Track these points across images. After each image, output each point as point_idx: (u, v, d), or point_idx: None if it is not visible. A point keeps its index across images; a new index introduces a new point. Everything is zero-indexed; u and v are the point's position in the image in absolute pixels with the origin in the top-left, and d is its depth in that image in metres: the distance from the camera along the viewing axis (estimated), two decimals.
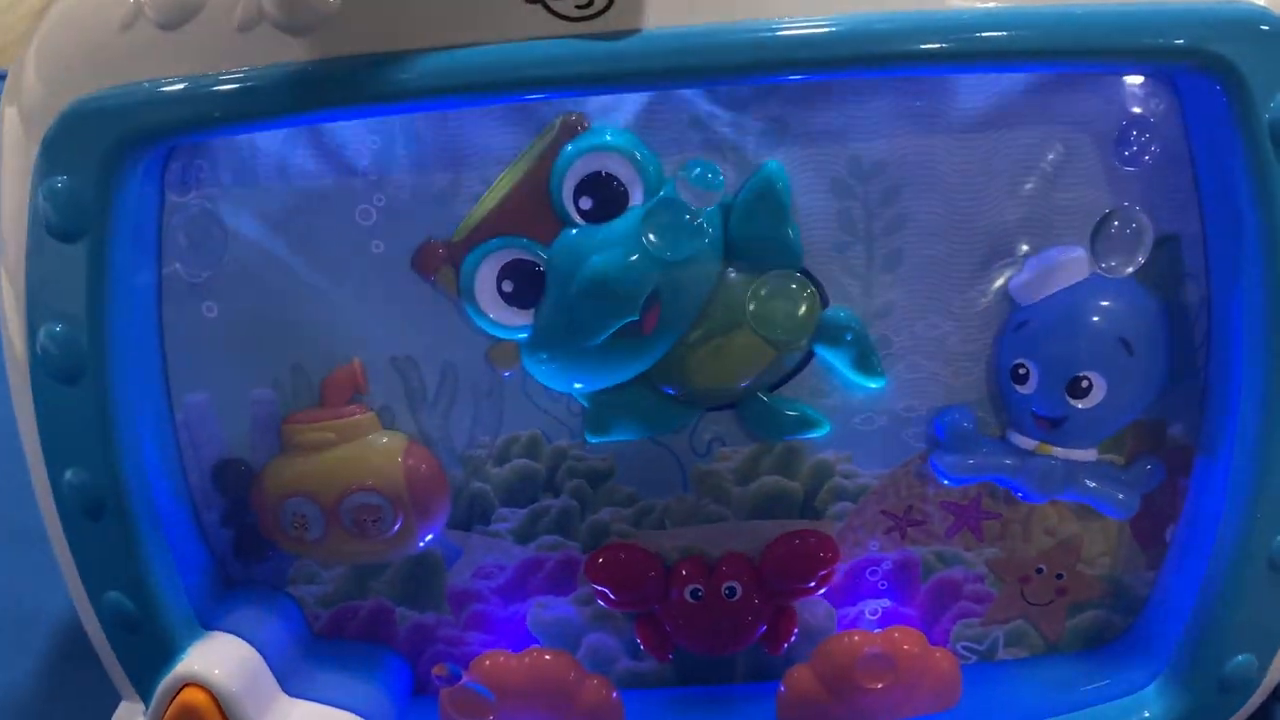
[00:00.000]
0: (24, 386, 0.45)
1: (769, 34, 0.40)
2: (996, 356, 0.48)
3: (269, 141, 0.46)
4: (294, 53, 0.40)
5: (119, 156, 0.42)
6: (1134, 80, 0.45)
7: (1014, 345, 0.47)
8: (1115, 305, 0.46)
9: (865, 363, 0.47)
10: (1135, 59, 0.42)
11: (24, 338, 0.44)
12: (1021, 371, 0.47)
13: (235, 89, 0.41)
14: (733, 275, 0.46)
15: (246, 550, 0.51)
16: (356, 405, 0.49)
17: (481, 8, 0.40)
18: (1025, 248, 0.47)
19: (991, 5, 0.40)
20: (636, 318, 0.45)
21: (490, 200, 0.46)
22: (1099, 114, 0.45)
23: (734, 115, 0.45)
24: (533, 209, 0.46)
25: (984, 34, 0.40)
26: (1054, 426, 0.47)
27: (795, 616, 0.51)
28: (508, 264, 0.46)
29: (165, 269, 0.47)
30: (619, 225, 0.45)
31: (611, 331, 0.45)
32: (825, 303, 0.47)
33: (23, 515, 0.49)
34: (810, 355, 0.48)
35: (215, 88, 0.41)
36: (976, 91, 0.45)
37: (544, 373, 0.47)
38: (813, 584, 0.50)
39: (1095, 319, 0.46)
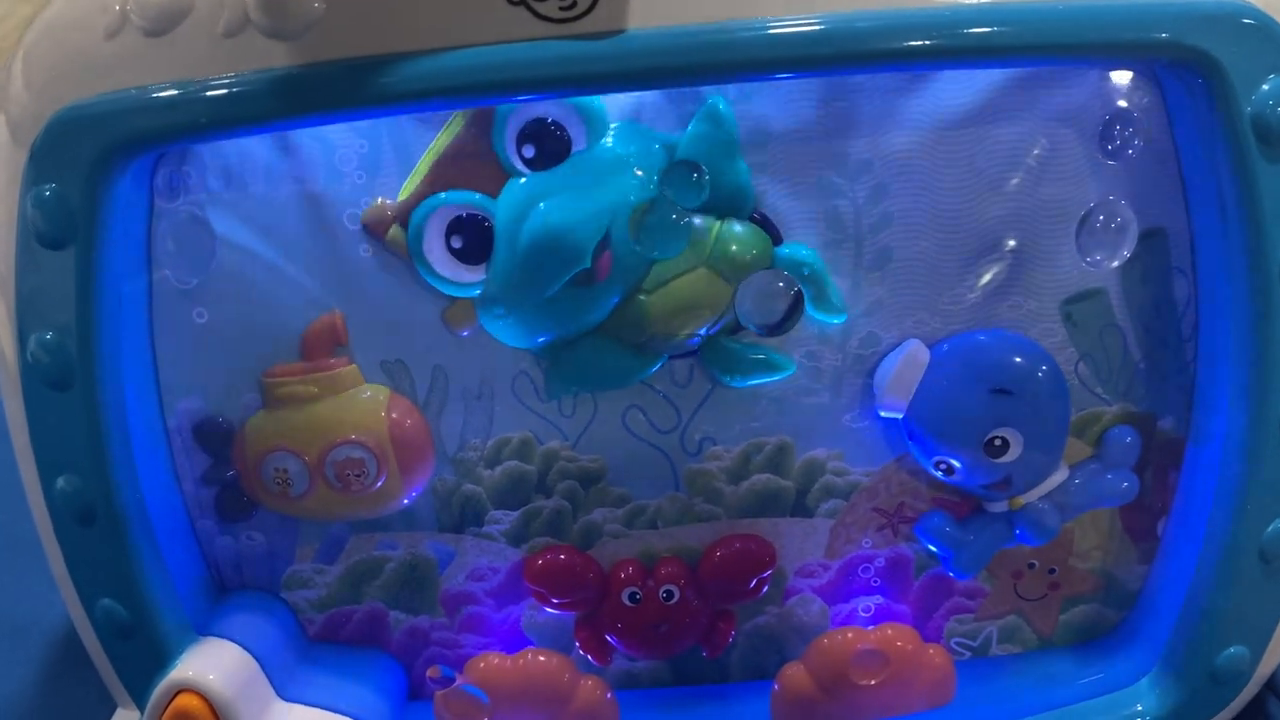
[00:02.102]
0: (15, 394, 0.45)
1: (753, 34, 0.40)
2: (921, 468, 0.49)
3: (256, 147, 0.46)
4: (280, 58, 0.41)
5: (107, 164, 0.42)
6: (1117, 75, 0.45)
7: (921, 452, 0.48)
8: (970, 365, 0.47)
9: (822, 299, 0.47)
10: (1118, 53, 0.43)
11: (14, 345, 0.44)
12: (944, 467, 0.48)
13: (222, 95, 0.41)
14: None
15: (229, 509, 0.50)
16: (338, 358, 0.48)
17: (466, 11, 0.40)
18: (1012, 243, 0.47)
19: (976, 2, 0.41)
20: (588, 265, 0.45)
21: (431, 156, 0.46)
22: (1083, 109, 0.45)
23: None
24: (475, 161, 0.45)
25: (969, 30, 0.41)
26: (1006, 486, 0.48)
27: (734, 620, 0.51)
28: (455, 219, 0.46)
29: (155, 275, 0.47)
30: (564, 171, 0.45)
31: (565, 281, 0.45)
32: (778, 241, 0.46)
33: (18, 524, 0.49)
34: None
35: (202, 94, 0.41)
36: (961, 89, 0.45)
37: (500, 328, 0.47)
38: (750, 587, 0.50)
39: (961, 389, 0.46)
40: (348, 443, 0.48)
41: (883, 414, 0.48)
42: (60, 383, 0.44)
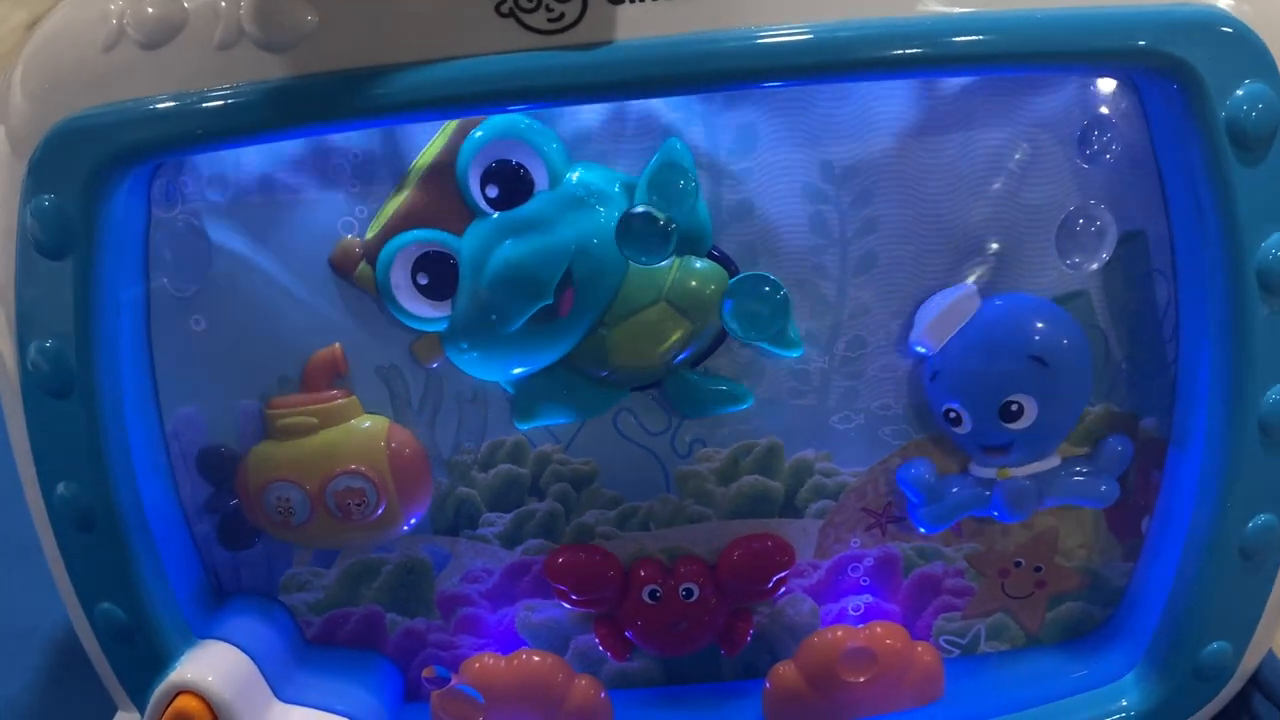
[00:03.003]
0: (15, 401, 0.46)
1: (740, 43, 0.41)
2: (929, 406, 0.49)
3: (252, 156, 0.47)
4: (274, 70, 0.41)
5: (104, 175, 0.43)
6: (1095, 81, 0.46)
7: (936, 394, 0.48)
8: (1016, 327, 0.47)
9: (780, 335, 0.47)
10: (1098, 60, 0.43)
11: (14, 353, 0.45)
12: (952, 415, 0.48)
13: (217, 107, 0.42)
14: None
15: (232, 537, 0.51)
16: (338, 389, 0.49)
17: (456, 23, 0.41)
18: (995, 246, 0.47)
19: (959, 11, 0.41)
20: (551, 301, 0.46)
21: (399, 196, 0.47)
22: (1062, 115, 0.46)
23: (706, 122, 0.46)
24: (440, 201, 0.46)
25: (953, 38, 0.41)
26: (1004, 452, 0.48)
27: (751, 618, 0.52)
28: (421, 257, 0.47)
29: (152, 284, 0.48)
30: (526, 210, 0.46)
31: (527, 317, 0.46)
32: (734, 273, 0.47)
33: (19, 530, 0.50)
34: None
35: (198, 105, 0.42)
36: (943, 95, 0.46)
37: (466, 362, 0.48)
38: (768, 587, 0.51)
39: (1001, 346, 0.47)
40: (348, 473, 0.49)
41: (916, 349, 0.48)
42: (60, 390, 0.45)
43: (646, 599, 0.51)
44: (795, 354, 0.48)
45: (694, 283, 0.46)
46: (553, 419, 0.49)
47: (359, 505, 0.49)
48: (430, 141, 0.46)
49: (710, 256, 0.47)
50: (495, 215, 0.46)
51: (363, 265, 0.47)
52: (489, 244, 0.46)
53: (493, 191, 0.46)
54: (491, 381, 0.49)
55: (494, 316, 0.46)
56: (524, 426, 0.49)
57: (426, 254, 0.47)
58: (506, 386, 0.49)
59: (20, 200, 0.44)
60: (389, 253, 0.46)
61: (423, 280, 0.47)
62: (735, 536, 0.51)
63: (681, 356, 0.48)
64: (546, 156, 0.45)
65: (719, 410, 0.49)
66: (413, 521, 0.51)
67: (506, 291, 0.45)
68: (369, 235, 0.47)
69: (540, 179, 0.46)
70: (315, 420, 0.49)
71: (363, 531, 0.50)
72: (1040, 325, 0.47)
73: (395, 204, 0.47)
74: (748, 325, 0.47)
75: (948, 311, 0.47)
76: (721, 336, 0.48)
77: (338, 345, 0.49)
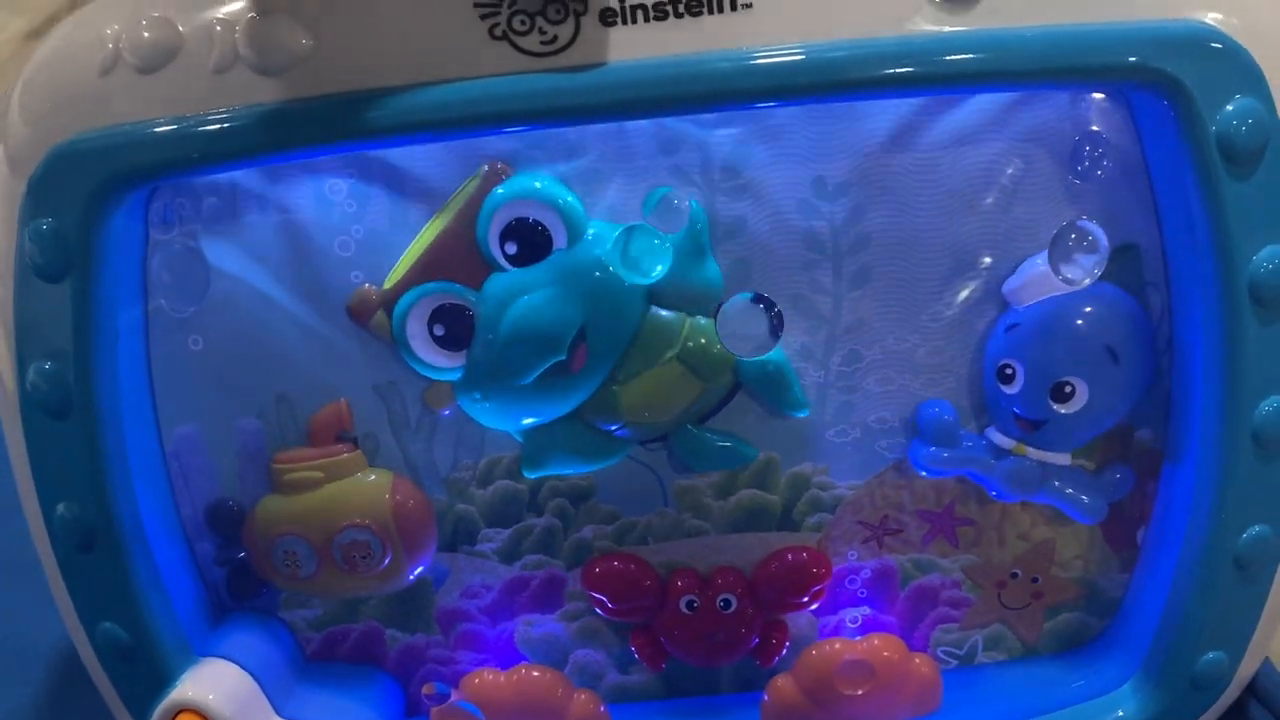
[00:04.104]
0: (15, 422, 0.46)
1: (732, 64, 0.41)
2: (985, 354, 0.49)
3: (248, 179, 0.47)
4: (269, 93, 0.42)
5: (102, 198, 0.43)
6: (1087, 97, 0.46)
7: (1003, 346, 0.48)
8: (1104, 314, 0.48)
9: (785, 397, 0.49)
10: (1090, 77, 0.44)
11: (14, 374, 0.45)
12: (1009, 372, 0.48)
13: (214, 130, 0.42)
14: (657, 313, 0.47)
15: (240, 589, 0.52)
16: (343, 444, 0.50)
17: (450, 46, 0.41)
18: (988, 260, 0.48)
19: (950, 30, 0.42)
20: (564, 357, 0.46)
21: (418, 247, 0.47)
22: (1054, 130, 0.46)
23: (701, 141, 0.46)
24: (460, 255, 0.47)
25: (946, 58, 0.42)
26: (1034, 428, 0.49)
27: (787, 630, 0.52)
28: (438, 308, 0.47)
29: (150, 305, 0.48)
30: (543, 268, 0.47)
31: (540, 371, 0.46)
32: None
33: (15, 546, 0.50)
34: (736, 388, 0.49)
35: (194, 129, 0.42)
36: (937, 112, 0.46)
37: (478, 411, 0.49)
38: (805, 599, 0.51)
39: (1083, 326, 0.47)
40: (353, 526, 0.49)
41: (1005, 294, 0.48)
42: (59, 411, 0.45)
43: (684, 609, 0.51)
44: (803, 414, 0.49)
45: (705, 340, 0.47)
46: (561, 469, 0.50)
47: (365, 557, 0.50)
48: (451, 197, 0.47)
49: None
50: (513, 270, 0.47)
51: (379, 314, 0.47)
52: (506, 299, 0.46)
53: (511, 248, 0.46)
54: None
55: (508, 369, 0.47)
56: (532, 475, 0.50)
57: (443, 306, 0.47)
58: (516, 435, 0.49)
59: (19, 222, 0.44)
60: (406, 303, 0.47)
61: (439, 331, 0.47)
62: (731, 550, 0.51)
63: (689, 413, 0.48)
64: (565, 215, 0.46)
65: (725, 467, 0.50)
66: (418, 571, 0.51)
67: (521, 346, 0.46)
68: (386, 285, 0.48)
69: (559, 237, 0.46)
70: (321, 474, 0.50)
71: (369, 582, 0.51)
72: (1127, 323, 0.48)
73: (413, 255, 0.47)
74: (739, 346, 0.47)
75: (1045, 276, 0.47)
76: (730, 394, 0.49)
77: (343, 401, 0.49)
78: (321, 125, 0.42)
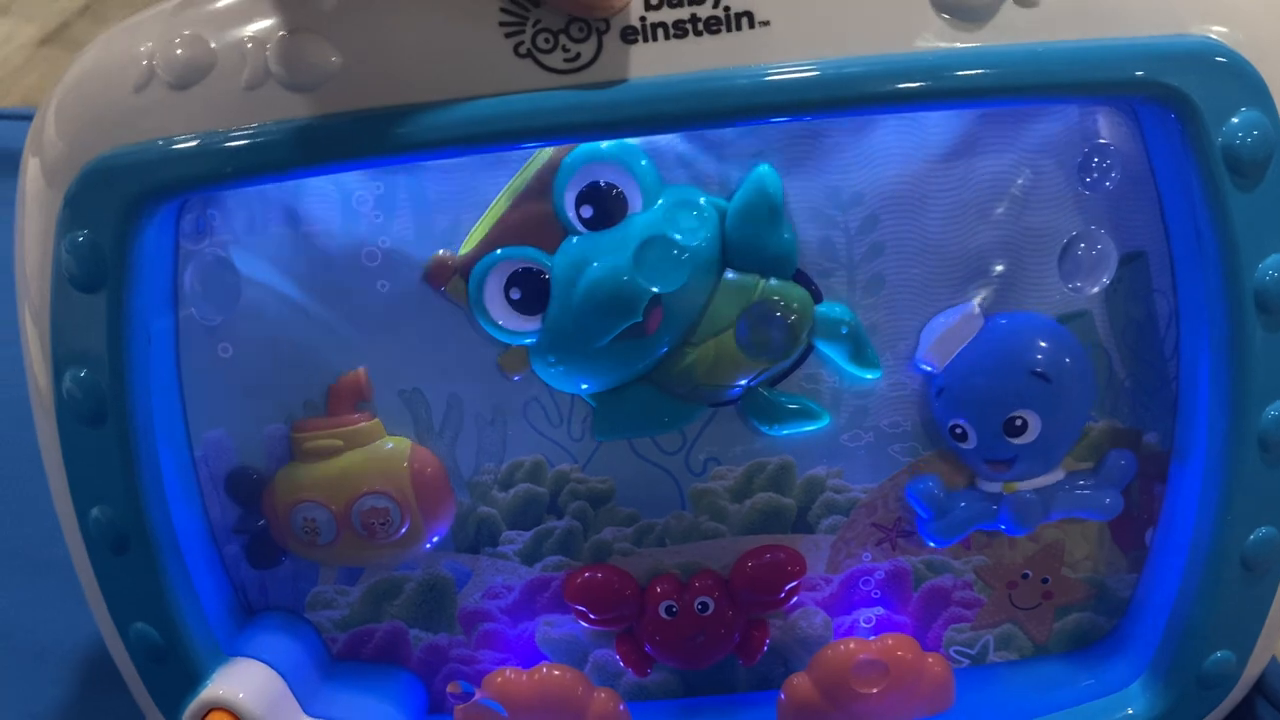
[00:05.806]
0: (51, 428, 0.47)
1: (750, 80, 0.42)
2: (935, 422, 0.50)
3: (277, 191, 0.48)
4: (300, 109, 0.42)
5: (136, 211, 0.44)
6: (1096, 110, 0.47)
7: (942, 411, 0.50)
8: (1018, 344, 0.48)
9: (861, 355, 0.49)
10: (1098, 91, 0.44)
11: (50, 382, 0.46)
12: (959, 431, 0.49)
13: (245, 145, 0.43)
14: (731, 276, 0.48)
15: (260, 557, 0.52)
16: (362, 412, 0.50)
17: (476, 64, 0.42)
18: (999, 268, 0.49)
19: (961, 46, 0.43)
20: (640, 320, 0.47)
21: (494, 213, 0.48)
22: (1063, 141, 0.47)
23: (717, 152, 0.48)
24: (536, 219, 0.47)
25: (956, 73, 0.43)
26: (1009, 466, 0.50)
27: (767, 629, 0.53)
28: (514, 273, 0.48)
29: (181, 313, 0.49)
30: (619, 232, 0.47)
31: (616, 334, 0.47)
32: (818, 299, 0.49)
33: (38, 545, 0.51)
34: (810, 349, 0.49)
35: (226, 144, 0.43)
36: (948, 125, 0.47)
37: (552, 375, 0.49)
38: (781, 597, 0.52)
39: (1003, 363, 0.48)
40: (372, 493, 0.50)
41: (921, 366, 0.49)
42: (94, 418, 0.46)
43: (664, 614, 0.52)
44: (875, 375, 0.49)
45: (780, 301, 0.48)
46: (633, 433, 0.50)
47: (383, 524, 0.50)
48: (525, 163, 0.48)
49: (794, 279, 0.48)
50: (588, 234, 0.47)
51: (455, 279, 0.48)
52: (581, 263, 0.47)
53: (587, 212, 0.47)
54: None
55: (584, 333, 0.47)
56: (604, 439, 0.50)
57: (519, 270, 0.48)
58: (589, 400, 0.50)
59: (56, 234, 0.45)
60: (483, 268, 0.48)
61: (515, 295, 0.48)
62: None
63: (762, 377, 0.49)
64: (640, 179, 0.47)
65: (796, 428, 0.50)
66: (435, 539, 0.52)
67: (597, 308, 0.47)
68: (463, 250, 0.48)
69: (634, 201, 0.47)
70: (340, 443, 0.50)
71: (388, 550, 0.51)
72: (1042, 343, 0.48)
73: (489, 221, 0.48)
74: (758, 352, 0.48)
75: (951, 331, 0.48)
76: (802, 357, 0.49)
77: (362, 369, 0.50)
78: (350, 141, 0.42)
